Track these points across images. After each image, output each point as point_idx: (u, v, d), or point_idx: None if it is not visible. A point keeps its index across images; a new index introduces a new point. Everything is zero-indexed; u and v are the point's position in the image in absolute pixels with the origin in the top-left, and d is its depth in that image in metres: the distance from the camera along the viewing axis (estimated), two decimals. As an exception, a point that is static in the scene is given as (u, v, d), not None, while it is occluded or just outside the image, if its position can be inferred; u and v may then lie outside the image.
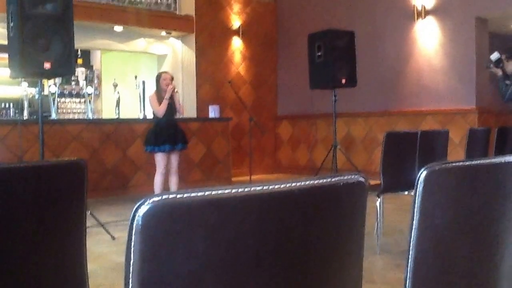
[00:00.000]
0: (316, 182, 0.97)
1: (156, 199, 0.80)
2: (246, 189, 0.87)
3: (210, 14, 11.55)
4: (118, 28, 10.58)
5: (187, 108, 11.08)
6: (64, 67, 5.68)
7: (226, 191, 0.85)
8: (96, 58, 12.78)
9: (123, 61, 12.76)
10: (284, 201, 0.92)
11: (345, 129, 11.04)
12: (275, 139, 12.67)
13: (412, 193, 3.98)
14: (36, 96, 6.13)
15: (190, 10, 11.27)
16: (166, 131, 6.76)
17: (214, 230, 0.85)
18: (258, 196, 0.89)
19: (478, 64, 9.13)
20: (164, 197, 0.81)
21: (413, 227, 1.19)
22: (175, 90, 6.93)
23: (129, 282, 0.82)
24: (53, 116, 9.74)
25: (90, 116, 10.24)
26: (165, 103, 6.73)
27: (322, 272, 1.01)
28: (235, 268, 0.88)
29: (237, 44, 12.00)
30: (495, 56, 7.04)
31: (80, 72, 11.43)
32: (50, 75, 6.17)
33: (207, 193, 0.83)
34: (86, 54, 12.46)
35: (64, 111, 11.74)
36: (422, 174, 1.16)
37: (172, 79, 6.96)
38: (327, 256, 1.01)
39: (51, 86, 9.84)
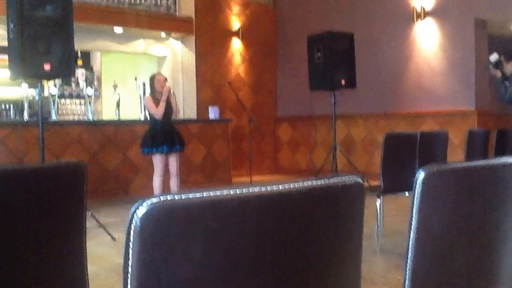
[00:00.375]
0: (314, 183, 0.97)
1: (154, 200, 0.80)
2: (244, 191, 0.87)
3: (210, 16, 11.56)
4: (118, 30, 10.58)
5: (187, 109, 11.09)
6: (64, 69, 5.68)
7: (224, 193, 0.85)
8: (96, 60, 12.77)
9: (123, 62, 12.75)
10: (283, 203, 0.93)
11: (345, 130, 11.04)
12: (275, 141, 12.67)
13: (412, 195, 3.91)
14: (36, 98, 6.13)
15: (190, 11, 11.28)
16: (163, 133, 6.75)
17: (212, 232, 0.85)
18: (257, 198, 0.89)
19: (477, 65, 9.13)
20: (162, 198, 0.81)
21: (412, 228, 1.19)
22: (171, 91, 6.92)
23: (127, 284, 0.82)
24: (53, 117, 9.74)
25: (90, 117, 10.24)
26: (162, 104, 6.73)
27: (320, 274, 1.01)
28: (233, 271, 0.88)
29: (236, 46, 12.01)
30: (494, 57, 7.04)
31: (80, 73, 11.43)
32: (50, 76, 6.18)
33: (205, 195, 0.83)
34: (86, 56, 12.45)
35: (64, 112, 11.73)
36: (420, 175, 1.16)
37: (165, 80, 6.95)
38: (325, 257, 1.01)
39: (51, 87, 9.85)
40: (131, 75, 11.67)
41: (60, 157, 8.38)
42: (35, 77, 5.86)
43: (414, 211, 1.18)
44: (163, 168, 6.83)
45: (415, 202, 1.17)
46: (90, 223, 5.75)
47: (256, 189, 0.89)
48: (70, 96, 11.94)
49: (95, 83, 11.87)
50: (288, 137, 12.46)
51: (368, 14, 10.75)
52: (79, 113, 11.93)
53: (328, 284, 1.03)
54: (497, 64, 6.97)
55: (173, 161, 6.90)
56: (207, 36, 11.53)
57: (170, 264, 0.82)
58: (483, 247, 1.32)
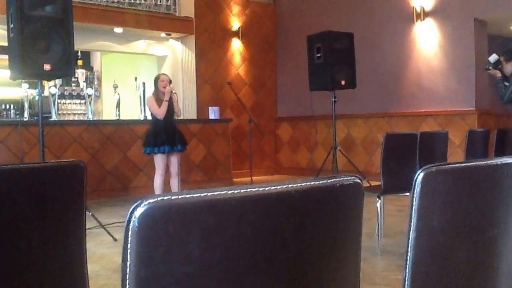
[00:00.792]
0: (312, 183, 0.97)
1: (152, 200, 0.80)
2: (242, 191, 0.87)
3: (210, 16, 11.56)
4: (118, 30, 10.59)
5: (187, 109, 11.09)
6: (64, 69, 5.69)
7: (223, 192, 0.85)
8: (96, 60, 12.80)
9: (123, 62, 12.77)
10: (281, 203, 0.93)
11: (345, 130, 11.04)
12: (275, 140, 12.67)
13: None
14: (37, 98, 6.14)
15: (190, 11, 11.28)
16: (165, 133, 6.77)
17: (210, 232, 0.85)
18: (255, 198, 0.89)
19: (477, 65, 9.13)
20: (160, 198, 0.81)
21: (411, 228, 1.20)
22: (173, 92, 6.94)
23: (126, 284, 0.82)
24: (54, 117, 9.75)
25: (91, 117, 10.25)
26: (165, 104, 6.74)
27: (319, 273, 1.02)
28: (231, 270, 0.88)
29: (236, 46, 12.01)
30: (493, 57, 7.05)
31: (80, 73, 11.47)
32: (50, 76, 6.18)
33: (203, 194, 0.83)
34: (86, 56, 12.48)
35: (65, 112, 11.76)
36: (419, 175, 1.16)
37: (170, 81, 6.97)
38: (324, 257, 1.02)
39: (51, 87, 9.85)
40: (131, 75, 11.69)
41: (60, 157, 8.38)
42: (35, 77, 5.86)
43: (413, 210, 1.18)
44: (164, 168, 6.84)
45: (414, 202, 1.17)
46: (90, 223, 5.76)
47: (254, 189, 0.89)
48: (70, 96, 11.98)
49: (95, 83, 11.91)
50: (288, 137, 12.47)
51: (368, 14, 10.75)
52: (79, 113, 11.96)
53: (327, 284, 1.03)
54: (497, 64, 6.97)
55: (174, 161, 6.91)
56: (207, 36, 11.53)
57: (168, 263, 0.82)
58: (482, 246, 1.32)
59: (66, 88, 11.84)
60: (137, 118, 10.26)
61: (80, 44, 9.31)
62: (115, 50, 11.44)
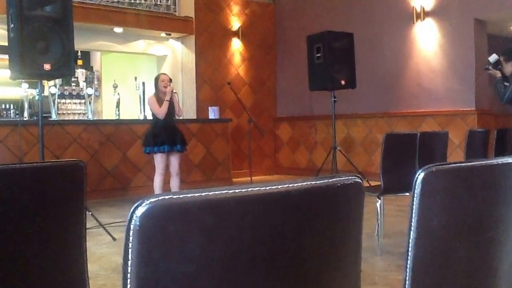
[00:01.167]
0: (313, 183, 0.97)
1: (153, 199, 0.80)
2: (243, 190, 0.87)
3: (210, 16, 11.56)
4: (118, 30, 10.59)
5: (187, 109, 11.09)
6: (64, 68, 5.69)
7: (223, 192, 0.85)
8: (96, 60, 12.80)
9: (123, 62, 12.77)
10: (281, 202, 0.93)
11: (344, 130, 11.04)
12: (275, 140, 12.67)
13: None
14: (36, 97, 6.14)
15: (190, 11, 11.28)
16: (165, 132, 6.77)
17: (211, 231, 0.85)
18: (255, 197, 0.89)
19: (477, 65, 9.14)
20: (161, 197, 0.81)
21: (411, 228, 1.20)
22: (174, 92, 6.95)
23: (127, 283, 0.82)
24: (53, 117, 9.76)
25: (90, 117, 10.25)
26: (165, 104, 6.75)
27: (319, 273, 1.02)
28: (231, 270, 0.88)
29: (236, 46, 12.01)
30: (493, 57, 7.05)
31: (80, 73, 11.47)
32: (50, 76, 6.18)
33: (204, 194, 0.84)
34: (86, 56, 12.48)
35: (64, 112, 11.76)
36: (420, 175, 1.16)
37: (170, 80, 6.97)
38: (324, 257, 1.02)
39: (51, 87, 9.86)
40: (131, 75, 11.69)
41: (59, 156, 8.38)
42: (35, 76, 5.86)
43: (413, 210, 1.18)
44: (164, 167, 6.84)
45: (415, 202, 1.18)
46: (90, 223, 5.76)
47: (255, 188, 0.89)
48: (70, 96, 11.98)
49: (95, 82, 11.91)
50: (287, 137, 12.47)
51: (367, 14, 10.75)
52: (79, 112, 11.96)
53: (327, 283, 1.03)
54: (497, 64, 6.97)
55: (174, 161, 6.91)
56: (207, 36, 11.53)
57: (169, 263, 0.82)
58: (483, 246, 1.32)
59: (66, 88, 11.83)
60: (137, 118, 10.26)
61: (80, 44, 9.31)
62: (115, 50, 11.45)
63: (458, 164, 1.24)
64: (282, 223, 0.93)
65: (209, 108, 10.81)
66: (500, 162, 1.29)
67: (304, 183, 0.95)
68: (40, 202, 1.77)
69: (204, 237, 0.84)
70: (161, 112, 6.75)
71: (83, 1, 9.70)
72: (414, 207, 1.18)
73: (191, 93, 11.34)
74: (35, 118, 8.43)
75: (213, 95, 11.54)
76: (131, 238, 0.80)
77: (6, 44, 5.58)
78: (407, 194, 5.49)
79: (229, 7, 11.91)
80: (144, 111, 10.15)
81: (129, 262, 0.81)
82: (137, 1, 10.65)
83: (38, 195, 1.77)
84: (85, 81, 11.43)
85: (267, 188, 0.90)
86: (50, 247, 1.82)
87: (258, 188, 0.89)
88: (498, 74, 6.94)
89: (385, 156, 5.02)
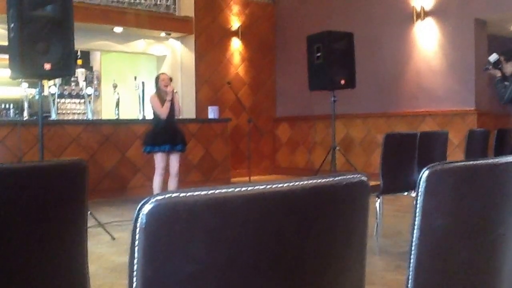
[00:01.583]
0: (318, 181, 0.96)
1: (160, 197, 0.80)
2: (249, 189, 0.87)
3: (209, 16, 11.56)
4: (118, 29, 10.59)
5: (186, 109, 11.08)
6: (64, 68, 5.69)
7: (229, 190, 0.85)
8: (96, 59, 12.79)
9: (122, 62, 12.76)
10: (286, 201, 0.92)
11: (343, 130, 11.04)
12: (274, 140, 12.67)
13: (411, 194, 3.97)
14: (36, 97, 6.14)
15: (189, 11, 11.28)
16: (166, 132, 6.80)
17: (216, 230, 0.85)
18: (261, 196, 0.89)
19: (477, 65, 9.13)
20: (167, 195, 0.81)
21: (415, 227, 1.19)
22: (175, 91, 6.96)
23: (132, 281, 0.82)
24: (53, 116, 9.75)
25: (90, 117, 10.24)
26: (167, 104, 6.78)
27: (324, 274, 1.01)
28: (236, 268, 0.88)
29: (236, 46, 12.01)
30: (493, 57, 7.05)
31: (80, 73, 11.44)
32: (50, 76, 6.19)
33: (210, 192, 0.83)
34: (86, 55, 12.47)
35: (64, 111, 11.75)
36: (424, 174, 1.16)
37: (170, 79, 6.99)
38: (329, 256, 1.01)
39: (51, 87, 9.85)
40: (130, 75, 11.67)
41: (59, 156, 8.38)
42: (35, 76, 5.86)
43: (417, 209, 1.18)
44: (165, 167, 6.85)
45: (418, 201, 1.17)
46: (89, 222, 5.75)
47: (260, 187, 0.89)
48: (70, 96, 11.98)
49: (95, 82, 11.91)
50: (287, 137, 12.46)
51: (367, 14, 10.75)
52: (78, 112, 11.95)
53: (332, 283, 1.03)
54: (497, 64, 6.97)
55: (174, 161, 6.92)
56: (207, 36, 11.53)
57: (174, 261, 0.82)
58: (486, 245, 1.32)
59: (65, 87, 11.83)
60: (136, 118, 10.25)
61: (80, 44, 9.29)
62: (114, 50, 11.45)
63: (463, 163, 1.23)
64: (287, 222, 0.93)
65: (209, 108, 10.81)
66: (505, 162, 1.29)
67: (310, 182, 0.95)
68: (42, 201, 1.77)
69: (209, 236, 0.84)
70: (164, 111, 6.77)
71: (83, 1, 9.69)
72: (418, 205, 1.17)
73: (190, 93, 11.33)
74: (35, 117, 8.42)
75: (212, 95, 11.54)
76: (137, 236, 0.80)
77: (6, 44, 5.58)
78: (406, 194, 5.50)
79: (229, 7, 11.91)
80: (143, 111, 10.13)
81: (135, 260, 0.81)
82: (137, 1, 10.65)
83: (39, 195, 1.76)
84: (85, 80, 11.41)
85: (273, 186, 0.90)
86: (51, 247, 1.82)
87: (264, 186, 0.89)
88: (498, 74, 6.94)
89: (385, 156, 5.02)
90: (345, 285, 1.06)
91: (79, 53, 11.59)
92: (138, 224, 0.80)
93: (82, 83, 11.37)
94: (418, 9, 9.91)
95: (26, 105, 9.80)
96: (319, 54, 8.82)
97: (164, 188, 6.95)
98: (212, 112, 10.68)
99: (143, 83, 10.33)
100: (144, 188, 9.11)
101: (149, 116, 9.00)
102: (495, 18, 9.51)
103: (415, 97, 10.03)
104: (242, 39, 12.03)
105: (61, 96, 11.56)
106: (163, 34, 11.28)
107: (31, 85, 9.40)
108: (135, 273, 0.81)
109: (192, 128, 10.02)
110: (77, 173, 1.83)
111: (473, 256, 1.30)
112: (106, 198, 8.67)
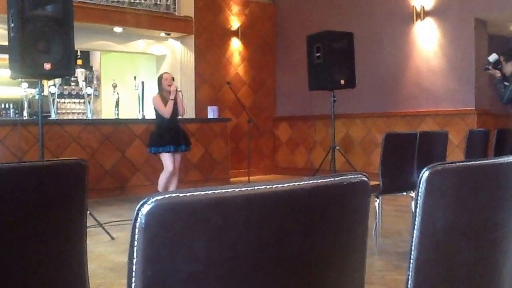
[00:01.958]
0: (319, 181, 0.96)
1: (159, 197, 0.80)
2: (249, 189, 0.87)
3: (209, 16, 11.56)
4: (118, 29, 10.59)
5: (186, 109, 11.07)
6: (64, 68, 5.69)
7: (229, 190, 0.85)
8: (96, 59, 12.79)
9: (122, 62, 12.76)
10: (287, 201, 0.92)
11: (343, 130, 11.04)
12: (274, 140, 12.67)
13: (411, 195, 3.97)
14: (36, 97, 6.14)
15: (189, 11, 11.27)
16: (169, 132, 6.80)
17: (216, 230, 0.84)
18: (261, 195, 0.89)
19: (477, 65, 9.14)
20: (167, 195, 0.81)
21: (415, 228, 1.19)
22: (179, 90, 6.96)
23: (132, 281, 0.82)
24: (53, 116, 9.75)
25: (90, 116, 10.24)
26: (170, 103, 6.77)
27: (325, 273, 1.01)
28: (237, 268, 0.88)
29: (236, 46, 12.00)
30: (493, 57, 7.05)
31: (80, 73, 11.45)
32: (50, 76, 6.18)
33: (210, 192, 0.83)
34: (86, 55, 12.47)
35: (64, 111, 11.75)
36: (424, 174, 1.16)
37: (172, 79, 6.99)
38: (330, 255, 1.01)
39: (51, 86, 9.85)
40: (130, 75, 11.67)
41: (58, 156, 8.37)
42: (35, 76, 5.86)
43: (417, 209, 1.17)
44: (173, 167, 6.84)
45: (418, 201, 1.17)
46: (88, 222, 5.75)
47: (261, 187, 0.89)
48: (70, 96, 11.98)
49: (95, 82, 11.89)
50: (286, 137, 12.46)
51: (367, 14, 10.75)
52: (78, 112, 11.95)
53: (333, 282, 1.03)
54: (497, 64, 6.98)
55: (177, 161, 6.94)
56: (207, 36, 11.53)
57: (174, 261, 0.82)
58: (486, 245, 1.31)
59: (65, 87, 11.83)
60: (136, 118, 10.25)
61: (80, 44, 9.30)
62: (114, 50, 11.44)
63: (463, 163, 1.23)
64: (288, 222, 0.93)
65: (208, 108, 10.81)
66: (506, 161, 1.29)
67: (311, 181, 0.95)
68: (42, 201, 1.77)
69: (210, 236, 0.84)
70: (167, 111, 6.76)
71: (83, 0, 9.69)
72: (417, 206, 1.17)
73: (190, 93, 11.32)
74: (35, 117, 8.42)
75: (212, 95, 11.54)
76: (136, 236, 0.80)
77: (7, 43, 5.58)
78: (405, 194, 5.50)
79: (229, 7, 11.91)
80: (143, 110, 10.13)
81: (134, 260, 0.81)
82: (137, 1, 10.64)
83: (39, 194, 1.76)
84: (85, 80, 11.41)
85: (274, 186, 0.90)
86: (50, 246, 1.82)
87: (265, 186, 0.89)
88: (498, 74, 6.95)
89: (385, 156, 5.02)
90: (346, 284, 1.06)
91: (79, 53, 11.60)
92: (137, 224, 0.80)
93: (82, 83, 11.38)
94: (418, 9, 9.91)
95: (26, 105, 9.81)
96: (319, 54, 8.82)
97: (168, 186, 6.97)
98: (211, 112, 10.69)
99: (142, 83, 10.33)
100: (143, 188, 9.12)
101: (149, 116, 9.02)
102: (495, 18, 9.51)
103: (415, 97, 10.03)
104: (242, 39, 12.03)
105: (61, 96, 11.56)
106: (163, 34, 11.28)
107: (31, 85, 9.40)
108: (134, 273, 0.81)
109: (192, 127, 10.02)
110: (76, 172, 1.83)
111: (473, 256, 1.30)
112: (105, 197, 8.67)
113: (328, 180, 0.98)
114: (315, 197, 0.97)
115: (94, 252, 5.17)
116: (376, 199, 5.03)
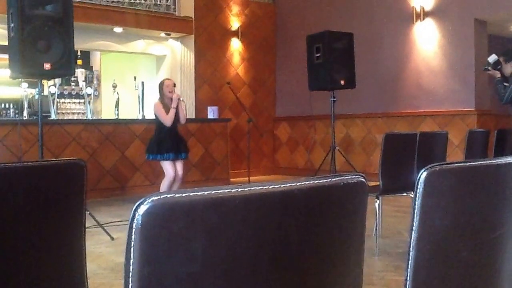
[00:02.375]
0: (316, 182, 0.96)
1: (155, 198, 0.80)
2: (246, 189, 0.87)
3: (209, 16, 11.56)
4: (118, 30, 10.59)
5: (186, 109, 11.07)
6: (64, 68, 5.68)
7: (226, 190, 0.85)
8: (96, 59, 12.79)
9: (122, 62, 12.76)
10: (285, 201, 0.92)
11: (343, 130, 11.04)
12: (274, 140, 12.67)
13: (411, 195, 3.97)
14: (36, 97, 6.14)
15: (189, 11, 11.28)
16: (170, 140, 6.71)
17: (213, 229, 0.84)
18: (259, 196, 0.88)
19: (477, 65, 9.14)
20: (163, 196, 0.80)
21: (413, 228, 1.19)
22: (181, 99, 6.89)
23: (128, 282, 0.81)
24: (53, 116, 9.75)
25: (89, 116, 10.24)
26: (172, 112, 6.67)
27: (322, 273, 1.01)
28: (234, 268, 0.87)
29: (236, 46, 12.00)
30: (493, 58, 7.05)
31: (80, 73, 11.44)
32: (50, 75, 6.19)
33: (207, 192, 0.83)
34: (86, 55, 12.47)
35: (64, 111, 11.74)
36: (423, 175, 1.16)
37: (174, 85, 6.93)
38: (327, 256, 1.01)
39: (51, 86, 9.85)
40: (130, 75, 11.67)
41: (58, 156, 8.38)
42: (35, 76, 5.86)
43: (415, 210, 1.17)
44: (174, 174, 6.77)
45: (417, 201, 1.17)
46: (88, 222, 5.75)
47: (258, 187, 0.88)
48: (70, 96, 11.97)
49: (95, 82, 11.88)
50: (286, 137, 12.46)
51: (367, 14, 10.75)
52: (78, 112, 11.95)
53: (330, 282, 1.03)
54: (496, 65, 6.98)
55: (179, 168, 6.85)
56: (207, 36, 11.53)
57: (171, 262, 0.82)
58: (485, 245, 1.31)
59: (65, 87, 11.82)
60: (136, 118, 10.25)
61: (80, 44, 9.30)
62: (114, 50, 11.44)
63: (462, 164, 1.23)
64: (286, 222, 0.93)
65: (208, 108, 10.82)
66: (504, 162, 1.29)
67: (308, 182, 0.95)
68: (40, 201, 1.77)
69: (207, 236, 0.84)
70: (168, 120, 6.67)
71: (83, 1, 9.69)
72: (416, 206, 1.17)
73: (190, 93, 11.32)
74: (35, 117, 8.42)
75: (212, 95, 11.54)
76: (133, 236, 0.80)
77: (6, 43, 5.57)
78: (405, 194, 5.49)
79: (229, 7, 11.91)
80: (142, 110, 10.13)
81: (131, 261, 0.81)
82: (137, 1, 10.65)
83: (38, 194, 1.76)
84: (85, 80, 11.40)
85: (271, 187, 0.90)
86: (49, 246, 1.82)
87: (262, 187, 0.89)
88: (498, 74, 6.94)
89: (385, 156, 5.01)
90: (343, 284, 1.06)
91: (79, 53, 11.60)
92: (134, 225, 0.80)
93: (81, 83, 11.37)
94: (418, 9, 9.91)
95: (26, 104, 9.80)
96: (319, 54, 8.81)
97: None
98: (211, 112, 10.69)
99: (142, 83, 10.32)
100: (143, 188, 9.12)
101: (149, 116, 9.00)
102: (495, 18, 9.51)
103: (415, 97, 10.03)
104: (242, 39, 12.03)
105: (61, 96, 11.55)
106: (163, 34, 11.28)
107: (31, 85, 9.39)
108: (131, 273, 0.81)
109: (192, 128, 10.03)
110: (76, 172, 1.83)
111: (472, 256, 1.29)
112: (105, 197, 8.67)
113: (325, 180, 0.98)
114: (313, 198, 0.96)
115: (94, 252, 5.17)
116: (376, 199, 5.02)
